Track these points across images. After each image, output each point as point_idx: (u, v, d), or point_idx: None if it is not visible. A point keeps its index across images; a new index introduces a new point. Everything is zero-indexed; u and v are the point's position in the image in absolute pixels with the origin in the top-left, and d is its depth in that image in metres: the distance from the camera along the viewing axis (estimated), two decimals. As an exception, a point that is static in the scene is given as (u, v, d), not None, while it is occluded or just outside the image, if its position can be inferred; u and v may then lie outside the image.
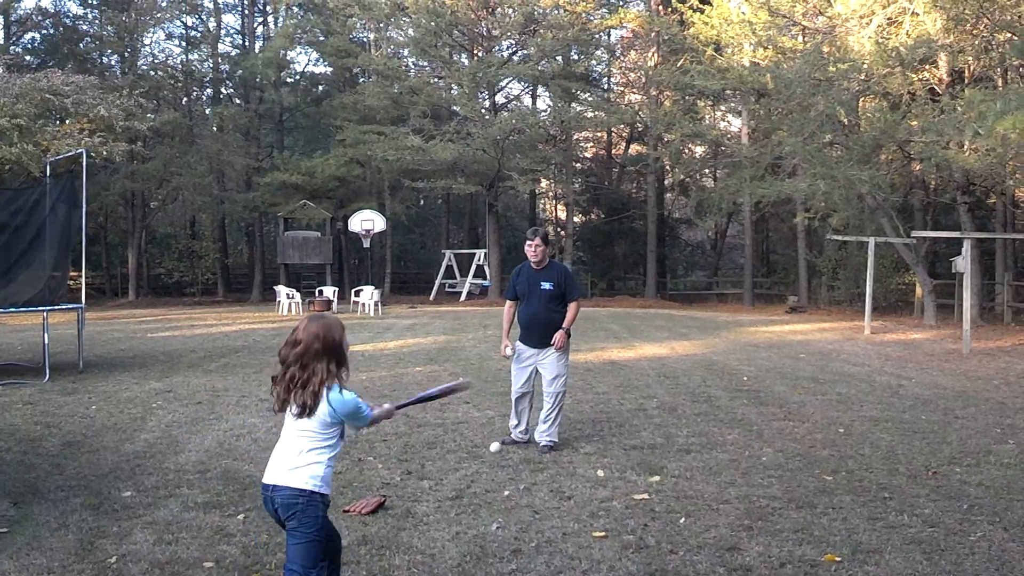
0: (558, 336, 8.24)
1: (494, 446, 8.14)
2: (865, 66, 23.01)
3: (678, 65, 32.03)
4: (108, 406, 10.70)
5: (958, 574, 5.15)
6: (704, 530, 5.92)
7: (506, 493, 6.83)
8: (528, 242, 8.28)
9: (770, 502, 6.56)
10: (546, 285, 8.26)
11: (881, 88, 23.79)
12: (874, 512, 6.32)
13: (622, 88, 48.07)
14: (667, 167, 42.82)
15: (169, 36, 46.14)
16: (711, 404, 10.98)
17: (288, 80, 45.54)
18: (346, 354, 4.18)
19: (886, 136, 22.74)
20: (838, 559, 5.36)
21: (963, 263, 19.81)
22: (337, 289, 33.64)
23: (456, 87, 39.14)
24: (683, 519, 6.15)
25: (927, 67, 23.86)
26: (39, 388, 12.13)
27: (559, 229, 48.40)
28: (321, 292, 32.23)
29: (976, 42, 22.51)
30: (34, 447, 8.45)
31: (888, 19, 23.55)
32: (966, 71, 23.95)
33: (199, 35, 44.50)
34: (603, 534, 5.84)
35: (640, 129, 44.34)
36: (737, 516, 6.22)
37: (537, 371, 8.47)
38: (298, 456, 4.08)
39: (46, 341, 13.41)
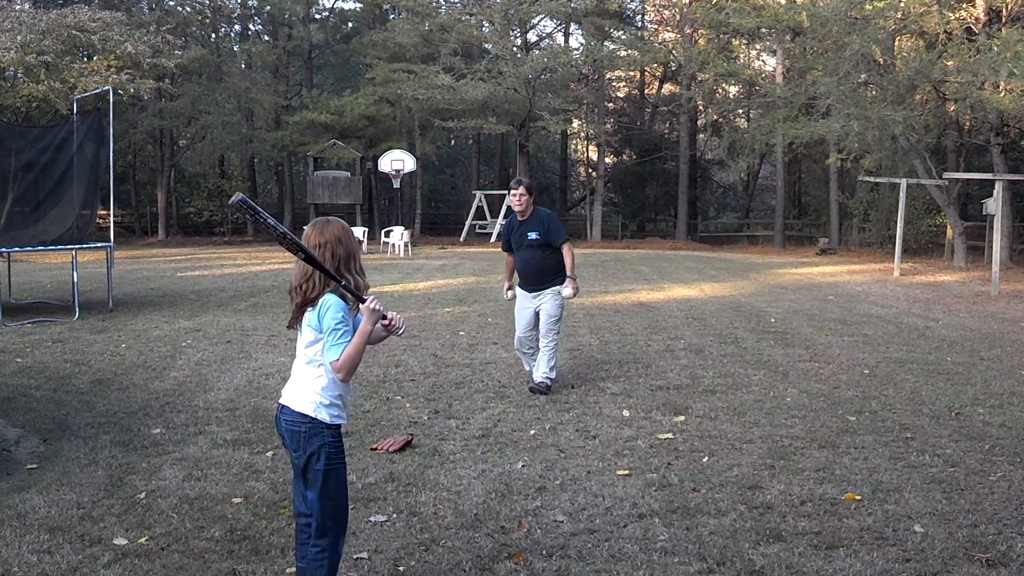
0: (570, 285, 8.38)
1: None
2: (902, 4, 22.57)
3: (713, 3, 31.46)
4: (138, 344, 10.83)
5: (977, 512, 5.16)
6: (727, 469, 5.96)
7: (532, 432, 6.90)
8: (512, 191, 8.38)
9: (793, 442, 6.58)
10: (532, 235, 8.42)
11: (917, 27, 23.35)
12: (896, 452, 6.33)
13: (656, 26, 47.31)
14: (700, 107, 42.36)
15: (196, -30, 45.77)
16: (738, 345, 10.98)
17: (317, 16, 45.26)
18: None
19: (921, 76, 22.40)
20: (858, 497, 5.38)
21: (994, 205, 19.61)
22: (367, 229, 33.71)
23: (487, 24, 38.79)
24: (706, 458, 6.19)
25: (964, 6, 23.33)
26: (69, 326, 12.29)
27: (590, 170, 48.10)
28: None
29: (1015, -20, 22.05)
30: (64, 385, 8.58)
31: (927, -45, 23.08)
32: (1003, 10, 23.36)
33: (227, -31, 44.20)
34: (627, 472, 5.89)
35: (673, 68, 43.76)
36: (760, 455, 6.25)
37: (538, 314, 8.55)
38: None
39: (75, 279, 13.53)
